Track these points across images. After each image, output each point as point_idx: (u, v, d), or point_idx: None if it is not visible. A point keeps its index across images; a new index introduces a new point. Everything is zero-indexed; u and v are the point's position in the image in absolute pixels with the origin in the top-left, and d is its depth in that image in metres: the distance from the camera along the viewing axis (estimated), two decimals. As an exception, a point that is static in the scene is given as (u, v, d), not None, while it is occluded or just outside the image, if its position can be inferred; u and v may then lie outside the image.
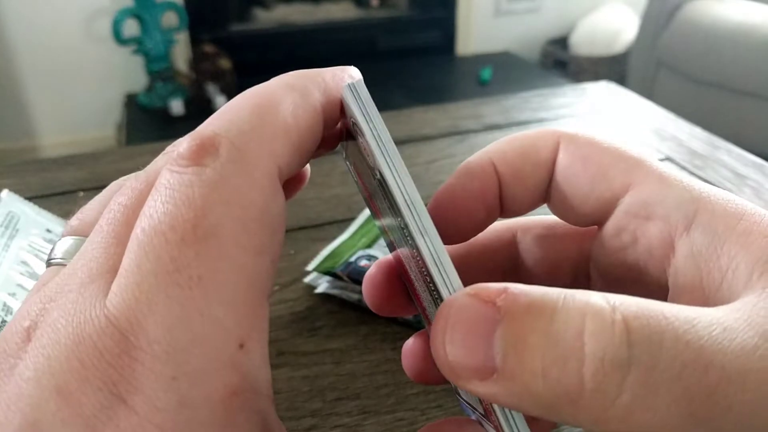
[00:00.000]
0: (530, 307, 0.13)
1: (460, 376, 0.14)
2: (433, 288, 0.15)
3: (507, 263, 0.22)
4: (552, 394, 0.13)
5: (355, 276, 0.34)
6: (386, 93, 2.11)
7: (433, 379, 0.20)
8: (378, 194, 0.18)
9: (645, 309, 0.13)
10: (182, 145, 0.15)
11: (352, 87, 0.17)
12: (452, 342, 0.14)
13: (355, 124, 0.17)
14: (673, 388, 0.12)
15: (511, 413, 0.15)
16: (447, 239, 0.19)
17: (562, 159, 0.19)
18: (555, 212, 0.21)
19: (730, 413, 0.12)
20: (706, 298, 0.16)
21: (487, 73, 2.28)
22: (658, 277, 0.18)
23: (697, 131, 0.60)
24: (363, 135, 0.16)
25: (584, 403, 0.13)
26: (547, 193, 0.20)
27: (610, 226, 0.19)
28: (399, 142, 0.55)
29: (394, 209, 0.16)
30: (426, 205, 0.16)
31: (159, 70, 2.03)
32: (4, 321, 0.32)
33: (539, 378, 0.13)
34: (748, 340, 0.13)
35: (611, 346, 0.13)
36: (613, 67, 2.33)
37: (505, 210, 0.20)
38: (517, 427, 0.15)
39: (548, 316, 0.13)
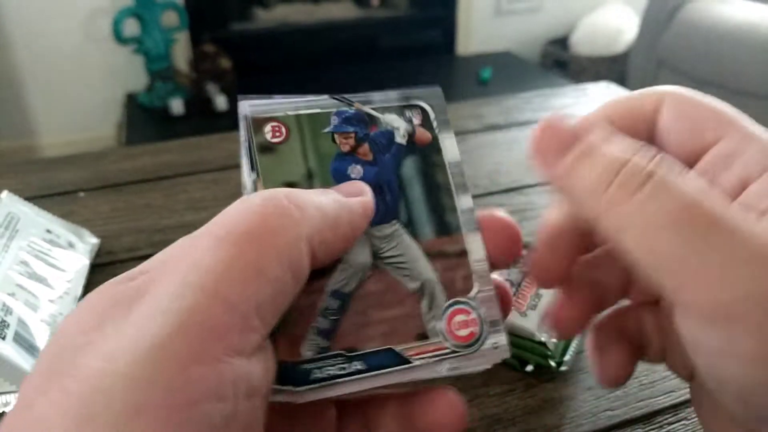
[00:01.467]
0: (604, 139, 0.20)
1: (541, 152, 0.20)
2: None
3: None
4: (590, 184, 0.19)
5: None
6: (386, 93, 2.10)
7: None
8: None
9: (672, 169, 0.18)
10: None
11: None
12: (543, 135, 0.20)
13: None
14: (659, 210, 0.17)
15: None
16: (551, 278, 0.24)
17: (665, 114, 0.23)
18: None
19: (694, 234, 0.17)
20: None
21: (487, 73, 2.28)
22: None
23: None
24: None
25: (605, 196, 0.18)
26: (651, 142, 0.23)
27: (696, 168, 0.22)
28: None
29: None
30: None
31: (159, 70, 2.03)
32: (3, 321, 0.32)
33: (590, 172, 0.19)
34: (751, 219, 0.17)
35: (636, 176, 0.18)
36: (613, 67, 2.33)
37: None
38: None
39: (611, 147, 0.19)
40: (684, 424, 0.29)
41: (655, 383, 0.32)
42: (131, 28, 1.97)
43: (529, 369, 0.32)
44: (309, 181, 0.21)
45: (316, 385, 0.19)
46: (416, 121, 0.22)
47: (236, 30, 2.35)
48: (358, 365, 0.20)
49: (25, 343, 0.32)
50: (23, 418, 0.14)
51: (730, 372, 0.18)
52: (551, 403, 0.31)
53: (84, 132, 2.15)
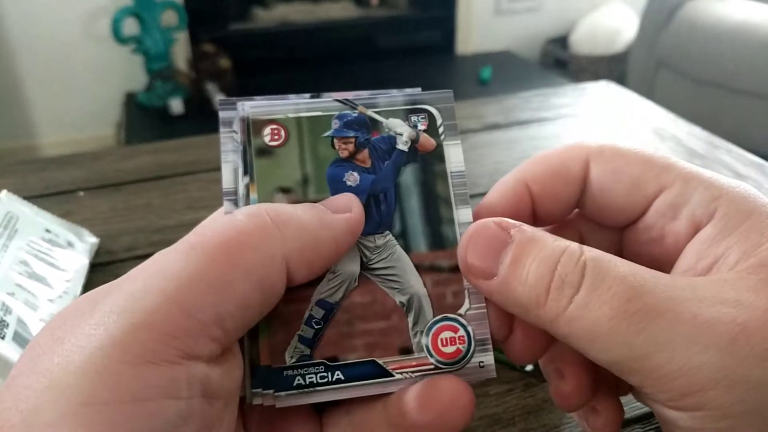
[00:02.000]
0: (532, 239, 0.19)
1: (473, 274, 0.20)
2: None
3: None
4: (528, 297, 0.18)
5: None
6: (386, 92, 2.10)
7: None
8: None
9: (603, 257, 0.18)
10: None
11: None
12: (473, 249, 0.20)
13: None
14: (603, 308, 0.17)
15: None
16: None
17: (595, 174, 0.22)
18: (590, 217, 0.24)
19: (644, 331, 0.17)
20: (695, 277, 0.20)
21: (487, 73, 2.28)
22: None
23: (697, 131, 0.60)
24: None
25: (546, 307, 0.18)
26: (579, 203, 0.23)
27: (641, 224, 0.22)
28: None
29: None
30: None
31: (159, 70, 2.03)
32: (2, 320, 0.32)
33: (524, 285, 0.19)
34: (690, 289, 0.18)
35: (571, 273, 0.18)
36: (613, 67, 2.33)
37: (537, 222, 0.23)
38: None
39: (541, 247, 0.19)
40: (684, 424, 0.29)
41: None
42: (131, 27, 1.97)
43: (529, 369, 0.32)
44: (304, 187, 0.21)
45: (296, 391, 0.19)
46: (422, 126, 0.21)
47: (236, 30, 2.35)
48: (339, 375, 0.19)
49: (25, 343, 0.32)
50: None
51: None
52: (551, 403, 0.31)
53: (83, 132, 2.15)
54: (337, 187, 0.21)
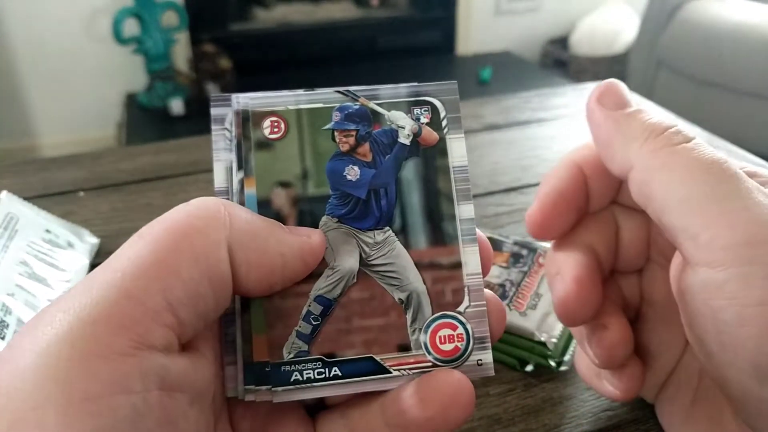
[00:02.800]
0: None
1: (603, 103, 0.23)
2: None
3: None
4: (649, 126, 0.21)
5: None
6: (386, 93, 2.10)
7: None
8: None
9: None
10: None
11: None
12: (606, 91, 0.23)
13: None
14: (694, 160, 0.20)
15: None
16: (550, 236, 0.25)
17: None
18: (626, 205, 0.25)
19: (726, 182, 0.20)
20: None
21: (487, 73, 2.28)
22: None
23: (697, 131, 0.60)
24: None
25: (663, 136, 0.21)
26: (617, 194, 0.25)
27: None
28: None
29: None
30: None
31: (159, 70, 2.03)
32: (2, 320, 0.32)
33: (649, 117, 0.22)
34: None
35: (678, 134, 0.21)
36: (613, 67, 2.33)
37: (591, 204, 0.25)
38: None
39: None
40: (684, 424, 0.29)
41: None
42: (131, 28, 1.97)
43: (529, 369, 0.32)
44: (304, 181, 0.20)
45: (293, 386, 0.19)
46: (424, 119, 0.21)
47: (236, 30, 2.35)
48: (336, 371, 0.19)
49: (25, 343, 0.32)
50: None
51: (746, 320, 0.18)
52: (551, 403, 0.31)
53: (84, 132, 2.15)
54: (337, 181, 0.20)
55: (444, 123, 0.21)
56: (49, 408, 0.14)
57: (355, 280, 0.20)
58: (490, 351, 0.20)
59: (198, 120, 1.98)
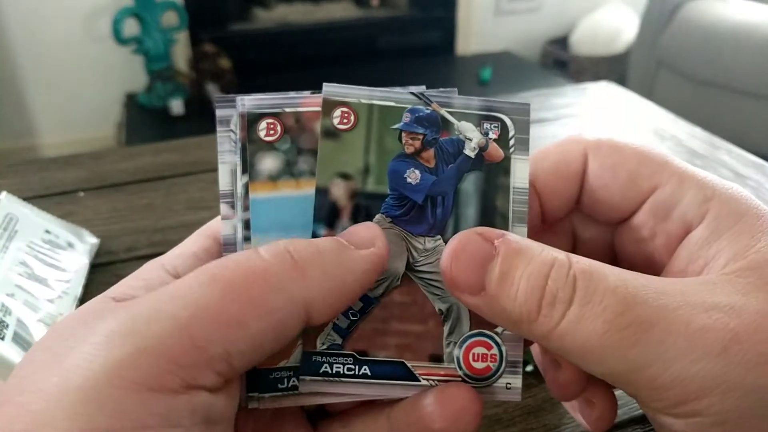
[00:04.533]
0: (518, 252, 0.18)
1: (458, 289, 0.19)
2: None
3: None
4: (518, 313, 0.18)
5: None
6: (386, 93, 2.10)
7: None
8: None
9: (593, 267, 0.18)
10: None
11: None
12: (457, 264, 0.18)
13: None
14: (595, 322, 0.17)
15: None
16: None
17: (592, 169, 0.22)
18: (585, 211, 0.24)
19: (637, 344, 0.17)
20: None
21: (487, 73, 2.28)
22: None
23: (697, 131, 0.60)
24: None
25: (538, 323, 0.18)
26: (578, 199, 0.23)
27: (634, 221, 0.22)
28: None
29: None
30: None
31: (159, 70, 2.03)
32: (2, 321, 0.32)
33: (513, 301, 0.18)
34: (680, 295, 0.17)
35: (562, 287, 0.17)
36: (613, 67, 2.32)
37: (545, 219, 0.23)
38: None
39: (528, 260, 0.18)
40: (684, 424, 0.29)
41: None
42: (131, 28, 1.97)
43: (529, 369, 0.32)
44: (364, 176, 0.20)
45: (321, 378, 0.19)
46: (493, 135, 0.21)
47: (236, 30, 2.35)
48: (366, 370, 0.19)
49: (24, 343, 0.32)
50: None
51: None
52: (551, 403, 0.31)
53: (84, 132, 2.15)
54: (398, 182, 0.20)
55: (512, 142, 0.21)
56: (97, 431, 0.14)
57: (398, 283, 0.20)
58: (521, 376, 0.20)
59: (198, 120, 1.98)
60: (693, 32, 1.77)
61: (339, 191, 0.20)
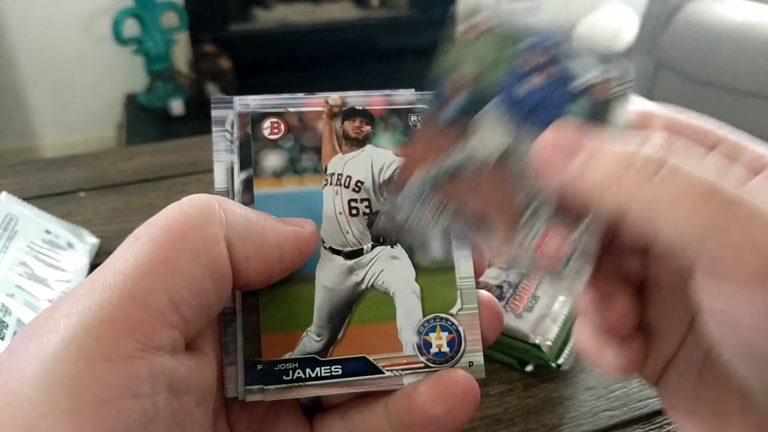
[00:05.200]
0: (610, 134, 0.20)
1: (550, 164, 0.20)
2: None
3: None
4: (606, 175, 0.19)
5: None
6: (386, 93, 2.10)
7: None
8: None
9: (683, 155, 0.18)
10: None
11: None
12: (553, 142, 0.20)
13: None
14: (681, 184, 0.18)
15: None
16: None
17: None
18: None
19: (722, 207, 0.17)
20: None
21: (487, 73, 2.28)
22: None
23: (697, 131, 0.60)
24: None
25: (626, 180, 0.18)
26: None
27: None
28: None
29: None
30: None
31: (159, 70, 2.03)
32: (2, 321, 0.32)
33: (606, 162, 0.19)
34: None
35: (653, 156, 0.18)
36: (613, 67, 2.32)
37: None
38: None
39: (617, 139, 0.20)
40: (684, 424, 0.29)
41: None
42: (131, 28, 1.97)
43: (529, 369, 0.32)
44: (489, 70, 0.22)
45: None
46: (604, 77, 0.22)
47: (236, 30, 2.35)
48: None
49: (25, 344, 0.32)
50: None
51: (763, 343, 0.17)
52: (551, 403, 0.31)
53: (84, 132, 2.15)
54: (512, 86, 0.22)
55: (618, 88, 0.22)
56: (59, 414, 0.14)
57: (490, 161, 0.21)
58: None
59: (198, 120, 1.98)
60: (693, 32, 1.77)
61: (455, 81, 0.22)
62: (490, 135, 0.22)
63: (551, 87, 0.22)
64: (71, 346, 0.14)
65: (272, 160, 0.21)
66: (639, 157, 0.19)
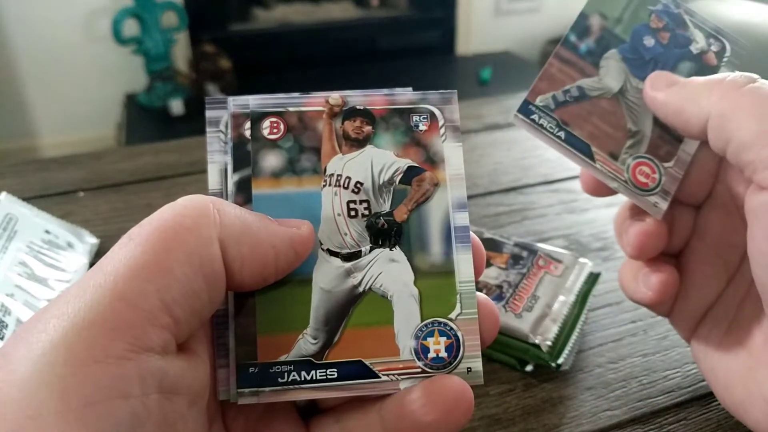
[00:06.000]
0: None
1: (657, 82, 0.26)
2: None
3: None
4: (702, 87, 0.24)
5: None
6: (386, 93, 2.10)
7: None
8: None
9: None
10: None
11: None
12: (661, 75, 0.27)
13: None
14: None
15: None
16: None
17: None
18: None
19: None
20: None
21: (487, 73, 2.28)
22: None
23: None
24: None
25: (719, 89, 0.23)
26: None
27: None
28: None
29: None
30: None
31: (159, 70, 2.03)
32: (1, 321, 0.32)
33: (699, 82, 0.25)
34: None
35: (742, 76, 0.23)
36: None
37: None
38: None
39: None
40: (684, 424, 0.29)
41: (655, 383, 0.32)
42: (131, 28, 1.97)
43: (529, 369, 0.32)
44: (616, 22, 0.28)
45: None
46: (714, 48, 0.28)
47: (236, 30, 2.35)
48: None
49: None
50: None
51: None
52: (551, 403, 0.31)
53: (84, 132, 2.15)
54: (636, 39, 0.28)
55: (725, 59, 0.28)
56: (48, 416, 0.14)
57: (609, 96, 0.28)
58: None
59: (198, 120, 1.96)
60: (693, 32, 1.77)
61: (595, 22, 0.28)
62: (613, 71, 0.27)
63: (670, 46, 0.28)
64: (60, 347, 0.14)
65: (271, 160, 0.21)
66: (727, 78, 0.23)
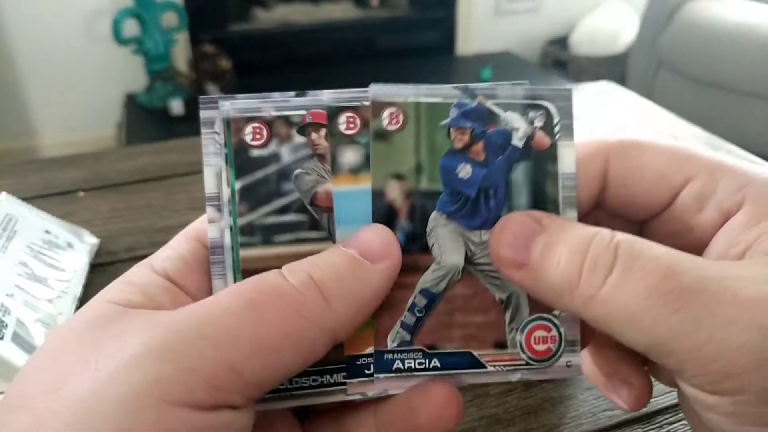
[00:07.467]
0: (563, 227, 0.19)
1: (504, 264, 0.20)
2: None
3: None
4: (560, 281, 0.18)
5: None
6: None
7: None
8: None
9: (635, 239, 0.18)
10: None
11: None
12: (505, 240, 0.20)
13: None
14: (637, 287, 0.17)
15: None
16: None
17: (617, 171, 0.22)
18: (610, 210, 0.23)
19: (681, 310, 0.16)
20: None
21: (487, 73, 2.28)
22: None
23: (697, 131, 0.60)
24: None
25: (580, 289, 0.18)
26: (600, 198, 0.23)
27: (666, 216, 0.22)
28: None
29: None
30: None
31: (159, 70, 2.03)
32: (1, 321, 0.32)
33: (556, 269, 0.18)
34: (727, 269, 0.17)
35: (603, 254, 0.18)
36: (612, 67, 2.32)
37: None
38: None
39: (571, 233, 0.19)
40: (684, 424, 0.29)
41: (655, 383, 0.32)
42: (131, 28, 1.97)
43: (529, 369, 0.32)
44: (417, 175, 0.21)
45: (395, 374, 0.20)
46: (538, 123, 0.21)
47: (236, 30, 2.35)
48: (436, 362, 0.20)
49: (24, 343, 0.32)
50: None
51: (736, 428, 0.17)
52: (551, 403, 0.31)
53: (84, 132, 2.15)
54: (450, 178, 0.21)
55: (557, 129, 0.21)
56: None
57: (459, 277, 0.21)
58: (579, 354, 0.21)
59: (198, 120, 1.97)
60: (693, 32, 1.77)
61: (394, 192, 0.21)
62: (447, 242, 0.21)
63: (490, 159, 0.21)
64: (163, 384, 0.15)
65: (349, 156, 0.21)
66: (590, 251, 0.18)
